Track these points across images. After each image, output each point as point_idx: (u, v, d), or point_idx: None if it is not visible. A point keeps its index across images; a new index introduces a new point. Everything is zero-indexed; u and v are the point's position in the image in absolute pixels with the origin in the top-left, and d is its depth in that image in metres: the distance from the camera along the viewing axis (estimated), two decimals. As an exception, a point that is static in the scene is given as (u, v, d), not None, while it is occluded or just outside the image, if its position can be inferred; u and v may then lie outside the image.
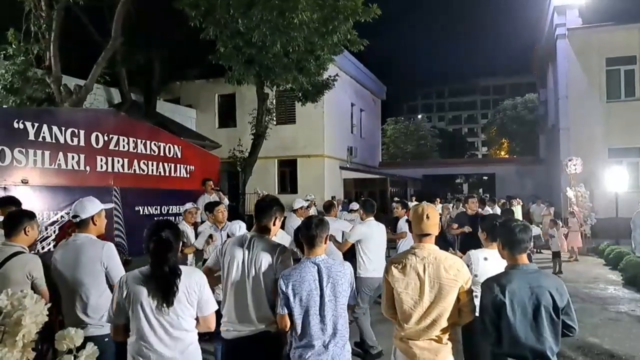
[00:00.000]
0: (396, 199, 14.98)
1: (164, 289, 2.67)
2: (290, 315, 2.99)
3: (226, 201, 10.09)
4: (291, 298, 2.95)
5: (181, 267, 2.78)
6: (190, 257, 6.57)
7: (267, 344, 3.14)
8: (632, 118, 18.00)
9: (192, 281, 2.78)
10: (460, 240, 7.85)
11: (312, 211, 12.73)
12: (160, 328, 2.70)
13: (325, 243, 3.14)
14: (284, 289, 2.96)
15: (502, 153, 51.80)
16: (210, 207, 6.48)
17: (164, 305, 2.67)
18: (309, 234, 3.09)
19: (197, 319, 2.84)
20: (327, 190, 20.09)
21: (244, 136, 16.54)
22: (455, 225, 7.54)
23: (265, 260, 3.15)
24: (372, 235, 5.94)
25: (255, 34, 11.65)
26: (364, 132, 27.39)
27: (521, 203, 17.06)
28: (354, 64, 24.36)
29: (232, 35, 12.10)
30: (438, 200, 16.89)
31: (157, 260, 2.71)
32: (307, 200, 14.56)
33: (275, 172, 21.42)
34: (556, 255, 11.52)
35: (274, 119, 16.40)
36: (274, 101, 16.30)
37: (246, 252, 3.21)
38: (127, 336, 2.77)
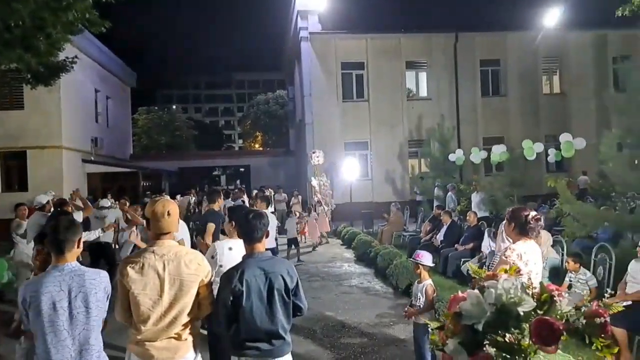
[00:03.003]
0: (151, 192, 14.13)
1: None
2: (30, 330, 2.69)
3: None
4: (30, 311, 2.61)
5: None
6: None
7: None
8: (361, 116, 20.76)
9: None
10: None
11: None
12: None
13: (79, 247, 2.78)
14: (20, 301, 2.63)
15: (257, 145, 54.34)
16: None
17: None
18: (56, 239, 2.69)
19: None
20: (67, 186, 17.84)
21: (-49, 123, 13.49)
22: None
23: None
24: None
25: (-39, -1, 9.46)
26: (112, 122, 25.29)
27: (273, 193, 18.11)
28: (99, 47, 22.38)
29: None
30: (193, 192, 16.66)
31: None
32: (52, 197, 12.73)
33: (-3, 166, 18.13)
34: (292, 242, 11.70)
35: (-6, 103, 13.75)
36: (-6, 82, 13.67)
37: None
38: None
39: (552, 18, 19.97)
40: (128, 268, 2.76)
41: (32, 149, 18.02)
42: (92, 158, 21.19)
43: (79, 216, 7.23)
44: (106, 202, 10.00)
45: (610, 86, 20.41)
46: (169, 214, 2.86)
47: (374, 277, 9.50)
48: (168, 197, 15.13)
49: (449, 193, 15.01)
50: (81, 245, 2.82)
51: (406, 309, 4.71)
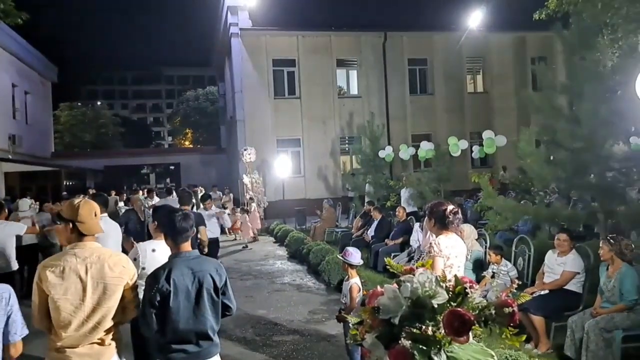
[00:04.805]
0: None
1: None
2: None
3: None
4: None
5: None
6: None
7: None
8: (293, 113, 20.73)
9: None
10: None
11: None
12: None
13: None
14: None
15: (187, 143, 52.96)
16: None
17: None
18: None
19: None
20: (-20, 187, 16.63)
21: None
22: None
23: None
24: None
25: None
26: (31, 118, 23.86)
27: (203, 191, 17.71)
28: (15, 39, 21.11)
29: None
30: (113, 193, 16.04)
31: None
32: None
33: None
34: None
35: None
36: None
37: None
38: None
39: (475, 19, 20.84)
40: (47, 272, 2.63)
41: (-62, 148, 16.65)
42: (10, 156, 19.98)
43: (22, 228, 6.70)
44: (25, 204, 9.36)
45: (529, 86, 21.58)
46: (95, 214, 2.77)
47: (307, 274, 9.53)
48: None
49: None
50: None
51: (337, 314, 4.72)
